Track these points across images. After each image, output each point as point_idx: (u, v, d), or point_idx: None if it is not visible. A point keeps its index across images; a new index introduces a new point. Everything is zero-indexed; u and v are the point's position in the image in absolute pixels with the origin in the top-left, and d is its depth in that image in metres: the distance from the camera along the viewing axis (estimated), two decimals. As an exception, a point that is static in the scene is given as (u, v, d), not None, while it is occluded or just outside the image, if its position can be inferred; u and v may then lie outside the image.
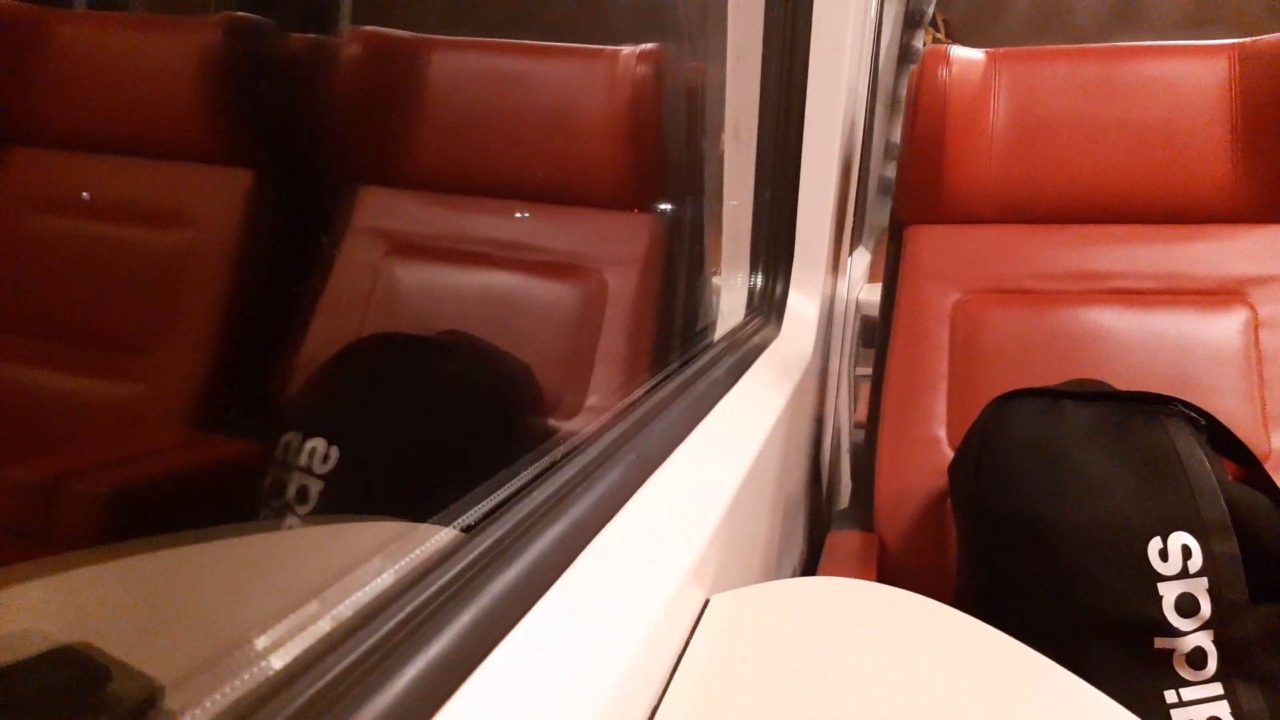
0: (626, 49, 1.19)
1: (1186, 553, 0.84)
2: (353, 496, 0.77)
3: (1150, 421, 0.93)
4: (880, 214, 2.53)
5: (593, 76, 1.19)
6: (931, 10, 2.60)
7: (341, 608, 0.37)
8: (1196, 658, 0.83)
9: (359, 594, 0.38)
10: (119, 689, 0.32)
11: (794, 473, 1.15)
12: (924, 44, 2.59)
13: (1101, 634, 0.85)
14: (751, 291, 1.24)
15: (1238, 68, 1.21)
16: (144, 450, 0.83)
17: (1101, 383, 1.04)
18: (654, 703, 0.49)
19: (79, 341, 0.89)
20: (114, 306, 0.92)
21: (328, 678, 0.32)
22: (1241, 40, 1.22)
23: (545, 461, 0.57)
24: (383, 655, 0.34)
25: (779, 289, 1.24)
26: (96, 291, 0.91)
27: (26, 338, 0.87)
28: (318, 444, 0.78)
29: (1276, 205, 1.19)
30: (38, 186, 0.92)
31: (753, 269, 1.24)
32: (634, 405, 0.72)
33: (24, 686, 0.31)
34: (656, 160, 1.19)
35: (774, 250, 1.23)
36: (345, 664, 0.33)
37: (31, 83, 0.91)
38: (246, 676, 0.31)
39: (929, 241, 1.29)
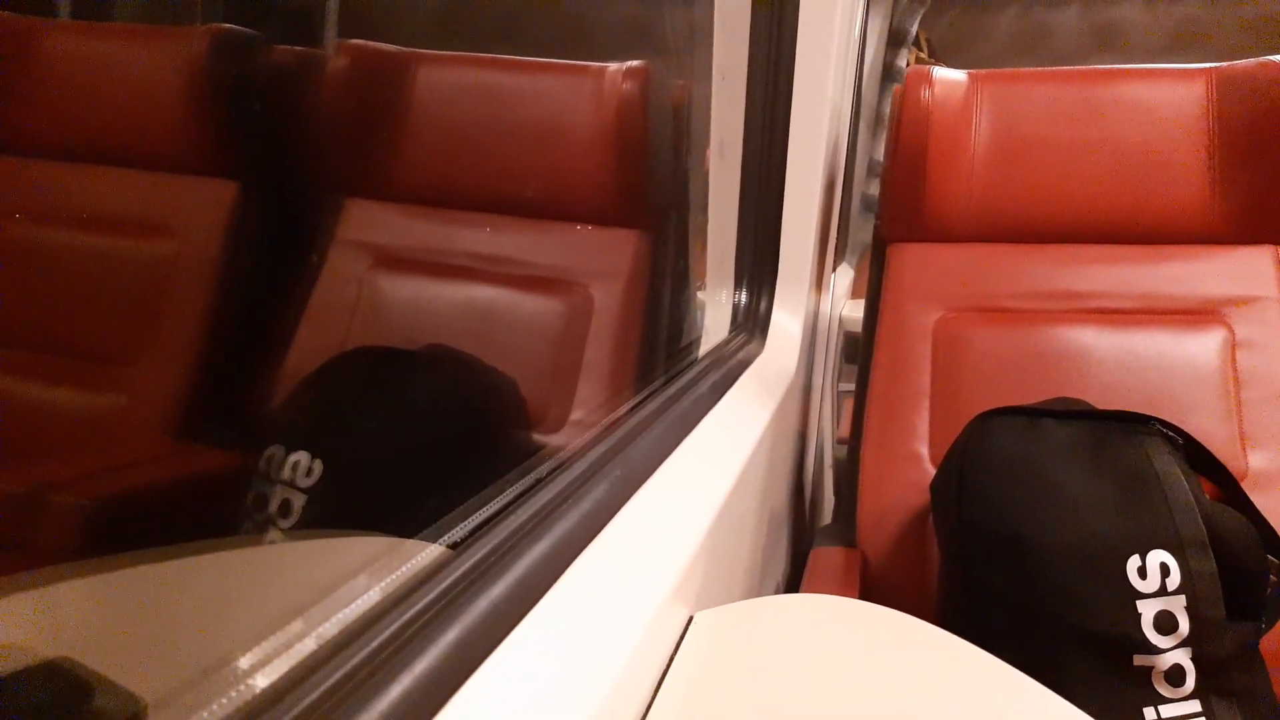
0: (613, 65, 1.19)
1: (1165, 570, 0.84)
2: (336, 511, 0.77)
3: (1128, 440, 0.94)
4: (864, 231, 2.55)
5: (579, 92, 1.19)
6: (915, 29, 2.62)
7: (327, 625, 0.37)
8: (1175, 675, 0.84)
9: (344, 611, 0.38)
10: (102, 705, 0.32)
11: (778, 489, 1.15)
12: (907, 63, 2.61)
13: (1081, 651, 0.86)
14: (736, 307, 1.24)
15: (1215, 91, 1.22)
16: (127, 462, 0.83)
17: (1081, 401, 1.05)
18: (638, 720, 0.49)
19: (62, 352, 0.89)
20: (97, 317, 0.91)
21: (313, 696, 0.32)
22: (1218, 64, 1.24)
23: (531, 478, 0.57)
24: (369, 673, 0.34)
25: (763, 305, 1.24)
26: (80, 302, 0.91)
27: (7, 348, 0.87)
28: (301, 457, 0.78)
29: (1253, 227, 1.21)
30: (19, 195, 0.92)
31: (737, 285, 1.24)
32: (618, 421, 0.73)
33: (6, 702, 0.31)
34: (642, 176, 1.20)
35: (758, 266, 1.24)
36: (330, 682, 0.33)
37: (14, 91, 0.91)
38: (232, 694, 0.31)
39: (911, 259, 1.30)
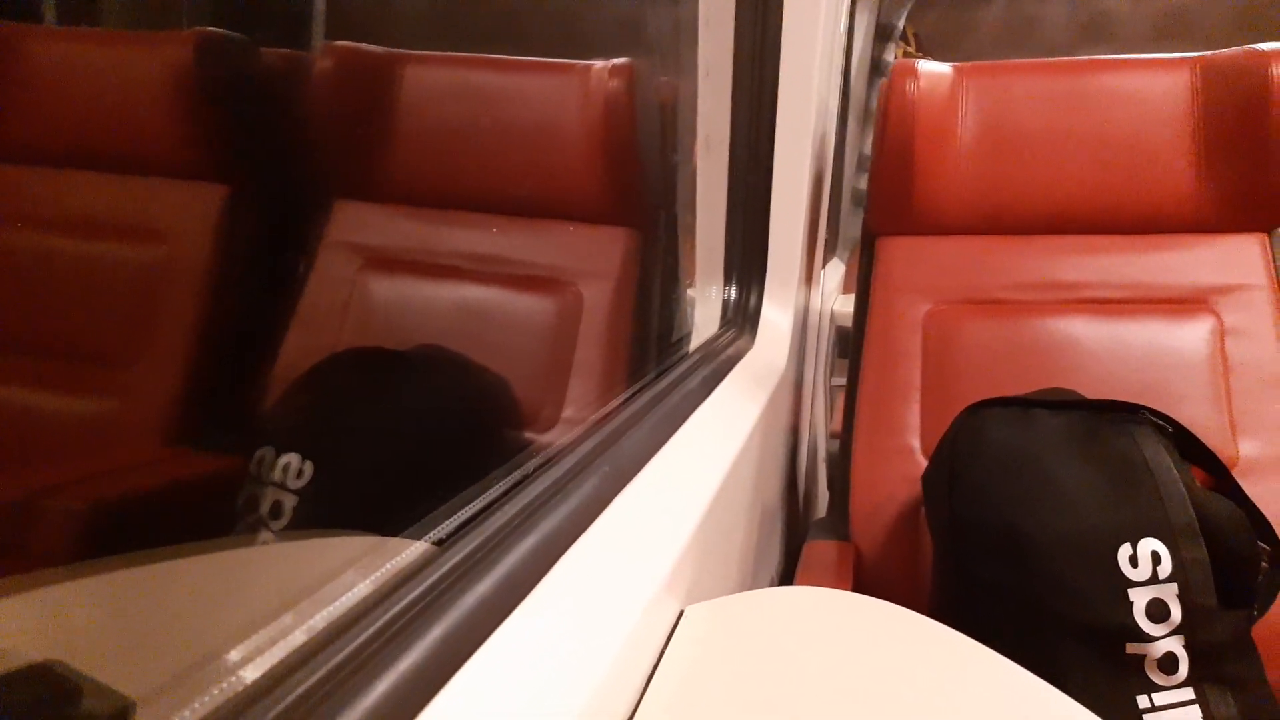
0: (599, 63, 1.19)
1: (1156, 559, 0.85)
2: (327, 511, 0.77)
3: (1119, 429, 0.94)
4: (854, 226, 2.55)
5: (566, 90, 1.19)
6: (902, 24, 2.62)
7: (314, 621, 0.37)
8: (1168, 663, 0.84)
9: (331, 608, 0.38)
10: (90, 706, 0.32)
11: (770, 483, 1.15)
12: (895, 57, 2.61)
13: (1074, 640, 0.86)
14: (725, 303, 1.24)
15: (1200, 80, 1.23)
16: (118, 465, 0.83)
17: (1072, 391, 1.06)
18: (628, 715, 0.49)
19: (53, 356, 0.89)
20: (88, 321, 0.91)
21: (299, 691, 0.32)
22: (1203, 54, 1.25)
23: (519, 474, 0.57)
24: (355, 669, 0.34)
25: (753, 300, 1.24)
26: (71, 306, 0.91)
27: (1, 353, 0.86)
28: (292, 459, 0.78)
29: (1240, 215, 1.21)
30: (7, 201, 0.91)
31: (726, 281, 1.25)
32: (608, 417, 0.73)
33: (-7, 705, 0.31)
34: (630, 173, 1.20)
35: (747, 262, 1.24)
36: (317, 678, 0.33)
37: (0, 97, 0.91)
38: (217, 691, 0.31)
39: (900, 253, 1.30)
